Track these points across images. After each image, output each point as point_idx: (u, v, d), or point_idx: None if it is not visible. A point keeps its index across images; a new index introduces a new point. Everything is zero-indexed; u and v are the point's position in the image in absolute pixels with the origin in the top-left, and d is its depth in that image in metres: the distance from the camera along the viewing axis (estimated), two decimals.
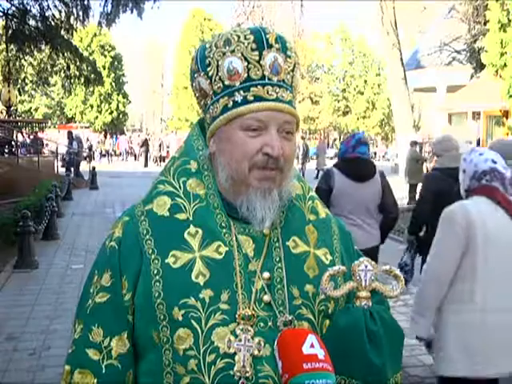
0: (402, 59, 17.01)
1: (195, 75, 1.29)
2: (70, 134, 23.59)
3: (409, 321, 2.93)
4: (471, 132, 16.21)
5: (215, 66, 1.24)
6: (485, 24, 14.14)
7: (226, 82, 1.24)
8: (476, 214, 2.74)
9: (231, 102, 1.23)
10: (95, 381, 1.23)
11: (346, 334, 1.19)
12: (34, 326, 5.56)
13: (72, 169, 20.67)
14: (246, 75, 1.22)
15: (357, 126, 47.46)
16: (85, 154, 28.50)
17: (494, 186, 2.79)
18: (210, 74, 1.25)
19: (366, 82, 46.89)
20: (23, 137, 18.68)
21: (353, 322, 1.19)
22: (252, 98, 1.22)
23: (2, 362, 4.66)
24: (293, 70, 1.28)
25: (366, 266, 1.23)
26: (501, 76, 12.32)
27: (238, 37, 1.23)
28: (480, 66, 15.37)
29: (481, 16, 15.76)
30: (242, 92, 1.23)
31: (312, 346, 1.14)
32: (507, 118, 14.19)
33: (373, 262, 1.24)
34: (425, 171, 14.83)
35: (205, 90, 1.28)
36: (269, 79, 1.23)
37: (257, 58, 1.22)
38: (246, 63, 1.22)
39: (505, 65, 11.98)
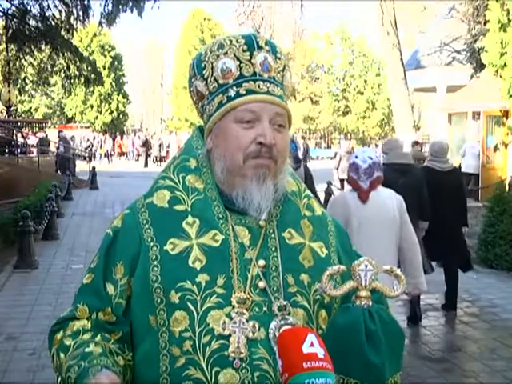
0: (402, 59, 16.98)
1: (192, 80, 1.37)
2: (60, 133, 23.38)
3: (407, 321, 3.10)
4: (471, 132, 16.20)
5: (210, 68, 1.32)
6: (485, 24, 14.12)
7: (220, 81, 1.31)
8: (352, 200, 3.66)
9: (225, 98, 1.30)
10: (89, 322, 1.29)
11: (344, 333, 1.20)
12: (33, 326, 5.56)
13: (59, 169, 20.35)
14: (238, 73, 1.30)
15: (357, 126, 47.47)
16: (85, 155, 28.45)
17: (351, 176, 3.73)
18: (206, 75, 1.33)
19: (366, 82, 46.83)
20: (24, 137, 18.64)
21: (352, 321, 1.20)
22: (244, 92, 1.29)
23: (1, 362, 4.68)
24: (283, 71, 1.35)
25: (367, 266, 1.24)
26: (501, 76, 12.30)
27: (231, 41, 1.32)
28: (480, 66, 15.34)
29: (481, 16, 15.74)
30: (234, 88, 1.30)
31: (312, 344, 1.14)
32: (507, 117, 14.16)
33: (373, 262, 1.25)
34: None
35: (201, 92, 1.35)
36: (260, 75, 1.31)
37: (248, 57, 1.30)
38: (238, 62, 1.30)
39: (505, 65, 11.96)
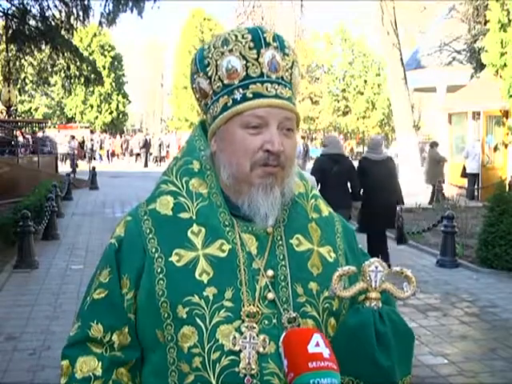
0: (402, 59, 16.97)
1: (195, 76, 1.30)
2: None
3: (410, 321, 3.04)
4: (471, 132, 16.20)
5: (214, 66, 1.25)
6: (485, 24, 14.14)
7: (225, 81, 1.24)
8: None
9: (231, 101, 1.23)
10: (100, 364, 1.22)
11: (354, 335, 1.18)
12: (33, 326, 5.56)
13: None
14: (244, 73, 1.23)
15: (357, 126, 47.43)
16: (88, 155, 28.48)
17: None
18: (209, 74, 1.25)
19: (365, 82, 46.78)
20: (24, 137, 18.64)
21: (361, 323, 1.18)
22: (251, 95, 1.22)
23: (1, 362, 4.67)
24: (291, 68, 1.28)
25: (377, 267, 1.21)
26: (501, 76, 12.31)
27: (236, 36, 1.23)
28: (480, 66, 15.34)
29: (481, 16, 15.76)
30: (241, 90, 1.23)
31: (317, 344, 1.13)
32: (507, 117, 14.17)
33: (383, 263, 1.23)
34: (445, 172, 15.01)
35: (205, 90, 1.28)
36: (267, 76, 1.23)
37: (255, 56, 1.23)
38: (244, 61, 1.23)
39: (505, 65, 11.97)
